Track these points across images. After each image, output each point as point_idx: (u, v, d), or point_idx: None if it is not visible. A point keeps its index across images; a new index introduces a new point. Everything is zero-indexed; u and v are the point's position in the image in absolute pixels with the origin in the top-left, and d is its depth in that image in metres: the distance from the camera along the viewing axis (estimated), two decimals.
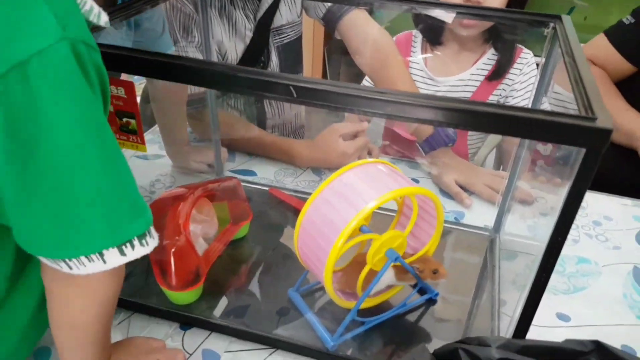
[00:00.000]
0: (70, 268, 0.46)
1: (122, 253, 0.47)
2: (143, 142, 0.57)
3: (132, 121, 0.56)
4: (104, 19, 0.49)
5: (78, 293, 0.51)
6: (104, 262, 0.46)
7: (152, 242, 0.49)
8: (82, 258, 0.45)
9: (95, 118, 0.44)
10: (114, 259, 0.47)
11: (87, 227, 0.45)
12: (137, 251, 0.48)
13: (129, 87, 0.54)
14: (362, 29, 1.14)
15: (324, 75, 2.45)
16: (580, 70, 0.49)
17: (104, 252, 0.46)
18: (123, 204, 0.47)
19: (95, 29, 0.54)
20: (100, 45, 0.46)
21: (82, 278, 0.47)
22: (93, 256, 0.46)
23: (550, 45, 0.67)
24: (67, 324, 0.54)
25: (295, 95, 0.48)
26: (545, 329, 0.74)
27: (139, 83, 1.16)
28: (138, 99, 1.98)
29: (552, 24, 0.66)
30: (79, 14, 0.46)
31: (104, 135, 0.45)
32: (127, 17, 0.65)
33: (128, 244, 0.47)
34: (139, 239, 0.48)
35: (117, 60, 0.51)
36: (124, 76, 0.68)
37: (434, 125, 0.91)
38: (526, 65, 1.22)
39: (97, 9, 0.48)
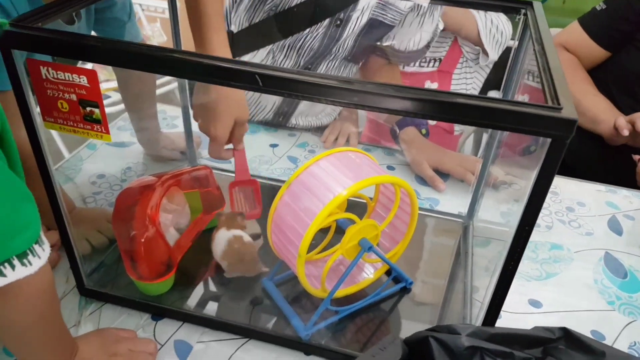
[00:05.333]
0: None
1: (1, 274, 0.44)
2: (107, 132, 0.56)
3: (96, 110, 0.55)
4: None
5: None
6: None
7: (37, 261, 0.46)
8: None
9: None
10: None
11: None
12: (19, 272, 0.45)
13: (92, 76, 0.52)
14: None
15: None
16: (549, 58, 0.48)
17: None
18: None
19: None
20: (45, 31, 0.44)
21: None
22: None
23: (522, 31, 0.67)
24: (6, 332, 0.52)
25: (261, 84, 0.47)
26: (517, 315, 0.75)
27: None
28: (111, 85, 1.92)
29: (523, 11, 0.65)
30: None
31: None
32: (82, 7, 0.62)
33: (7, 264, 0.44)
34: (19, 259, 0.44)
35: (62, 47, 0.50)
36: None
37: (400, 115, 0.92)
38: None
39: None
